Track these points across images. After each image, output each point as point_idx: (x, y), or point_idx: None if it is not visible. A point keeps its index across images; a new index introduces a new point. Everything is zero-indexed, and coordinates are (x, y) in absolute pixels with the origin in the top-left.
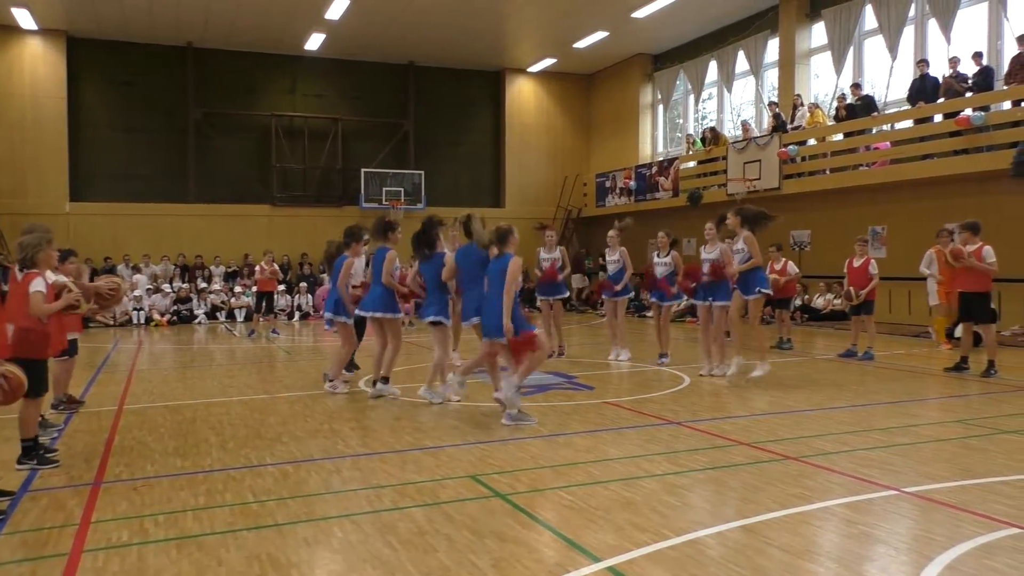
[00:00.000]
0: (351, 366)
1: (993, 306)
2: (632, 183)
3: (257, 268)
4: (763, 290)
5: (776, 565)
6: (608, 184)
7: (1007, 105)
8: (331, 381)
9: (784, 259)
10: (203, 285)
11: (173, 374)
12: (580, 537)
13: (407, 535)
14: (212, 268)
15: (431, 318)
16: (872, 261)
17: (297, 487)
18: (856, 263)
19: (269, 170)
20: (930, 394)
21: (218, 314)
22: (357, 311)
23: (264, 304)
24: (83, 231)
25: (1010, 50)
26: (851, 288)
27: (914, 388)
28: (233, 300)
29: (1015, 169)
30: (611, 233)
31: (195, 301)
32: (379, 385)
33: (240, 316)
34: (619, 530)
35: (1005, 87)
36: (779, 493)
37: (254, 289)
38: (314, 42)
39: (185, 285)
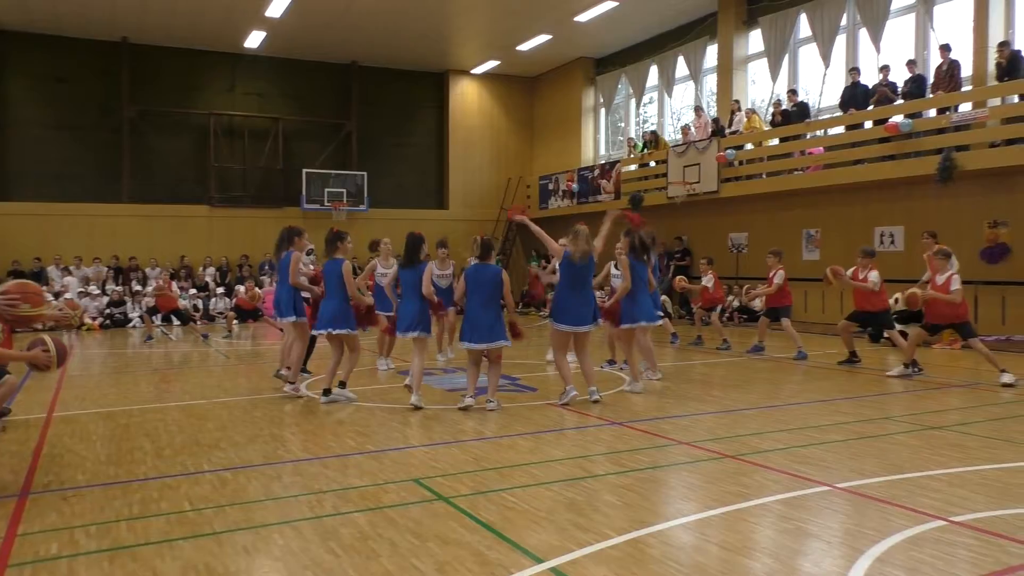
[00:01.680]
0: (304, 370)
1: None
2: (575, 185)
3: (153, 283)
4: (634, 323)
5: (715, 562)
6: (551, 186)
7: (933, 112)
8: (291, 384)
9: (711, 272)
10: (138, 288)
11: (106, 379)
12: (523, 538)
13: (349, 540)
14: (148, 270)
15: (415, 334)
16: (779, 272)
17: (236, 494)
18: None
19: (207, 170)
20: (860, 392)
21: (154, 317)
22: (313, 331)
23: (173, 319)
24: (11, 231)
25: (936, 59)
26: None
27: (846, 386)
28: None
29: (940, 175)
30: (619, 246)
31: (129, 304)
32: (335, 391)
33: (176, 320)
34: (562, 531)
35: (931, 95)
36: (717, 491)
37: (151, 303)
38: (254, 40)
39: (118, 288)
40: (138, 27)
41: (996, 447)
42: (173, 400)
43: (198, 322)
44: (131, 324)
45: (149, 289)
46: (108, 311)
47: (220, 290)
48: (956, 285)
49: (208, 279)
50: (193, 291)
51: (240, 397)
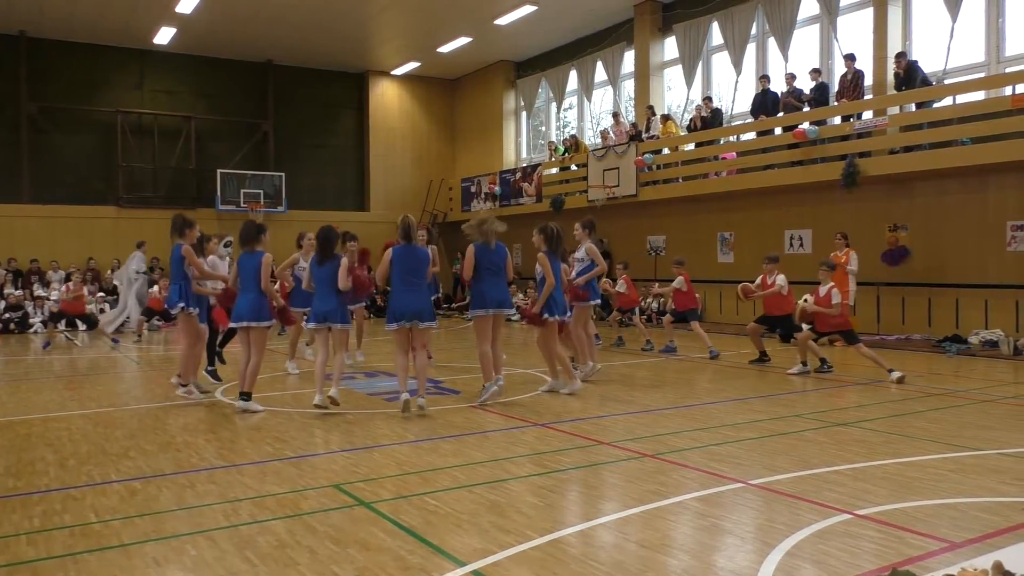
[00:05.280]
0: (215, 376)
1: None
2: (497, 188)
3: (63, 288)
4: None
5: (633, 560)
6: (473, 189)
7: (838, 120)
8: (184, 386)
9: (624, 276)
10: (40, 292)
11: (4, 387)
12: (445, 542)
13: (267, 549)
14: (51, 273)
15: (334, 325)
16: (681, 278)
17: (146, 504)
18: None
19: (115, 169)
20: (772, 391)
21: (58, 324)
22: (231, 324)
23: (67, 324)
24: None
25: (840, 68)
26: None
27: (759, 385)
28: None
29: (845, 180)
30: (577, 227)
31: (31, 308)
32: (240, 402)
33: (82, 324)
34: (484, 533)
35: (836, 103)
36: (637, 490)
37: (55, 308)
38: (163, 36)
39: (18, 292)
40: (37, 21)
41: (896, 442)
42: (78, 408)
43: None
44: (32, 330)
45: (54, 295)
46: (6, 316)
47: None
48: (836, 299)
49: (116, 282)
50: (101, 294)
51: (151, 404)
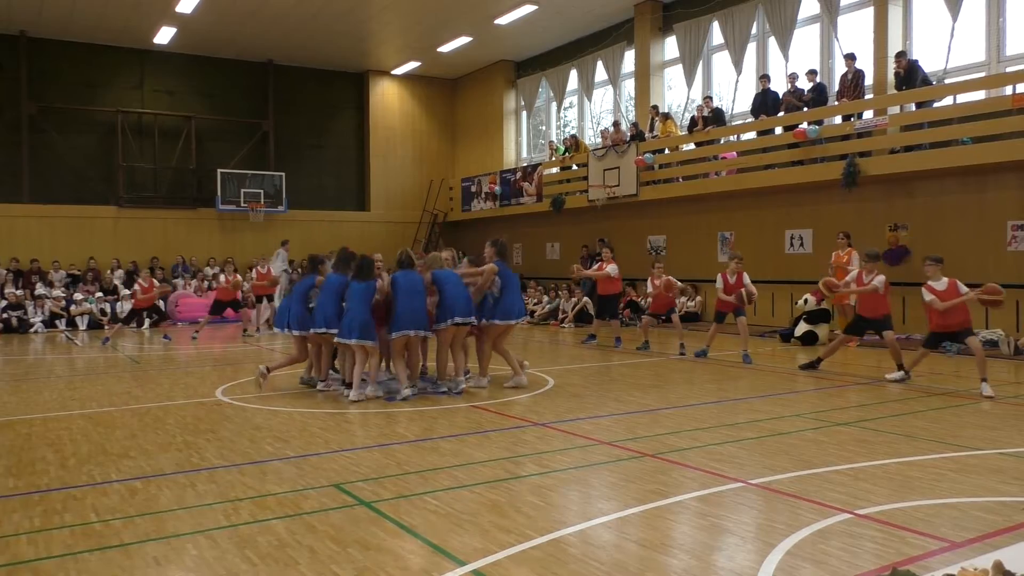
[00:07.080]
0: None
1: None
2: (497, 188)
3: (136, 287)
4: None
5: (633, 559)
6: (474, 189)
7: (839, 119)
8: (323, 381)
9: (664, 275)
10: (42, 291)
11: (4, 387)
12: (446, 541)
13: (267, 548)
14: (53, 273)
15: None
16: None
17: (146, 504)
18: (731, 279)
19: (115, 169)
20: (772, 391)
21: (57, 322)
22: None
23: (137, 320)
24: None
25: (840, 68)
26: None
27: (758, 385)
28: (73, 307)
29: (845, 180)
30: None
31: (31, 308)
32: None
33: (83, 324)
34: (484, 533)
35: (836, 103)
36: (637, 490)
37: (132, 303)
38: (164, 36)
39: (19, 291)
40: (36, 21)
41: (896, 442)
42: (78, 408)
43: (106, 326)
44: (33, 329)
45: (55, 293)
46: (6, 315)
47: (127, 292)
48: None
49: (116, 282)
50: (100, 294)
51: (151, 404)
